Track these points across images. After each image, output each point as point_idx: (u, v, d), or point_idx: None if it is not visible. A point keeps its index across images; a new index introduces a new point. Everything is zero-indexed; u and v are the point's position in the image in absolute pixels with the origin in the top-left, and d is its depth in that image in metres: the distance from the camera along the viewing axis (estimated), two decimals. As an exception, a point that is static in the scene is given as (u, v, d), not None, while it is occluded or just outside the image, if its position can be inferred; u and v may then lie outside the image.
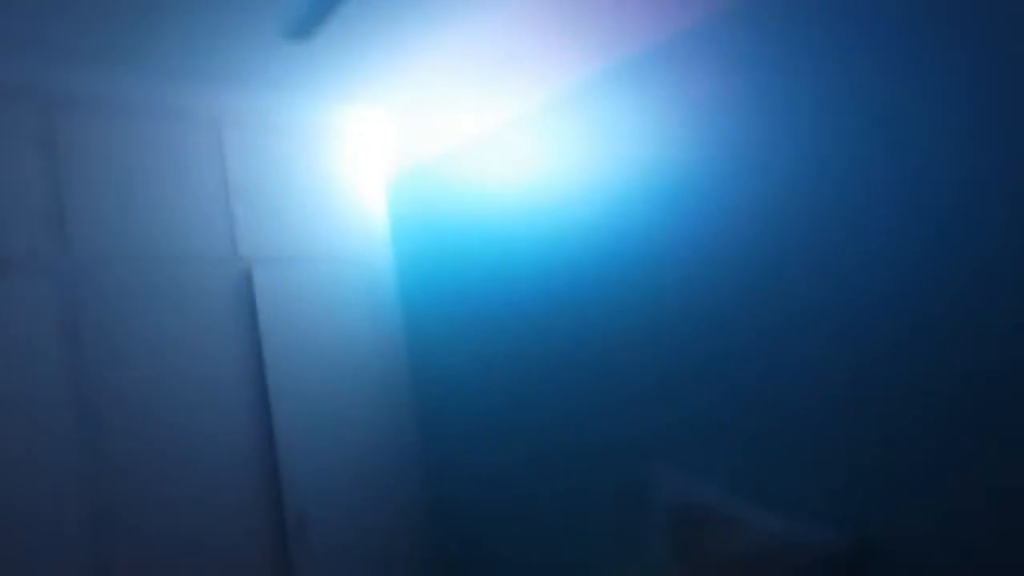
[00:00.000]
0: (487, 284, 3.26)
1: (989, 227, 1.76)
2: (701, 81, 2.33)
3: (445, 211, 3.49)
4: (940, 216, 1.84)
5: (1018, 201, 1.71)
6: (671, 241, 2.49)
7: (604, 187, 2.71)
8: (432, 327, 3.61)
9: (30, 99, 2.75)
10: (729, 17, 2.26)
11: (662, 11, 2.47)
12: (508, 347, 3.18)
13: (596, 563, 2.86)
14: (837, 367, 2.06)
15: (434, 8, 2.67)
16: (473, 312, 3.35)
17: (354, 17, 1.98)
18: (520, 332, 3.11)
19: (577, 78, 2.80)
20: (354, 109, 3.65)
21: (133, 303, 2.87)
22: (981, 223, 1.77)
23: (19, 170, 2.69)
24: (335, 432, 3.35)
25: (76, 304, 2.74)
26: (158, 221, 2.99)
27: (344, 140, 3.67)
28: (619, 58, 2.62)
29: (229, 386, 3.07)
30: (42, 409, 2.60)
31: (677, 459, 2.51)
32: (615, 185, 2.66)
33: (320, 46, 2.68)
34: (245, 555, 3.02)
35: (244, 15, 2.63)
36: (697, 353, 2.43)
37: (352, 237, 3.63)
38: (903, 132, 1.90)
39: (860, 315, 2.00)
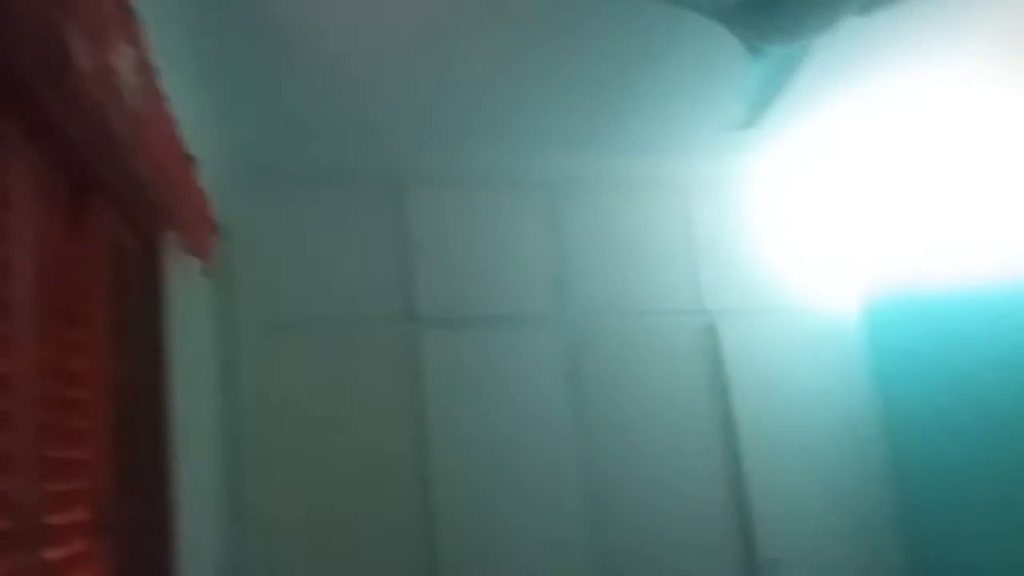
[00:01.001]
0: (977, 336, 2.96)
1: None
2: None
3: (931, 271, 3.27)
4: None
5: None
6: None
7: None
8: (908, 375, 3.38)
9: (537, 185, 3.43)
10: None
11: None
12: (1002, 406, 2.82)
13: None
14: None
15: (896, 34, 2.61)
16: (960, 363, 3.06)
17: (824, 62, 2.11)
18: (1017, 406, 2.75)
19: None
20: (819, 166, 3.68)
21: (619, 348, 3.32)
22: None
23: (530, 243, 3.36)
24: (807, 480, 3.35)
25: (574, 350, 3.28)
26: (638, 279, 3.42)
27: (810, 195, 3.73)
28: None
29: (699, 425, 3.33)
30: (549, 433, 3.16)
31: None
32: None
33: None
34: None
35: (702, 97, 2.97)
36: None
37: (817, 288, 3.63)
38: None
39: None
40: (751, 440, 3.32)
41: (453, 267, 3.24)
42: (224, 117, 2.81)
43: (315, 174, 3.20)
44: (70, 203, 1.36)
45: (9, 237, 1.06)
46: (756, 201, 3.66)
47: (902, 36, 2.60)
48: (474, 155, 3.33)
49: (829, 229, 3.74)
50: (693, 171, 3.59)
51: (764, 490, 3.28)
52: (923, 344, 3.29)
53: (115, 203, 1.58)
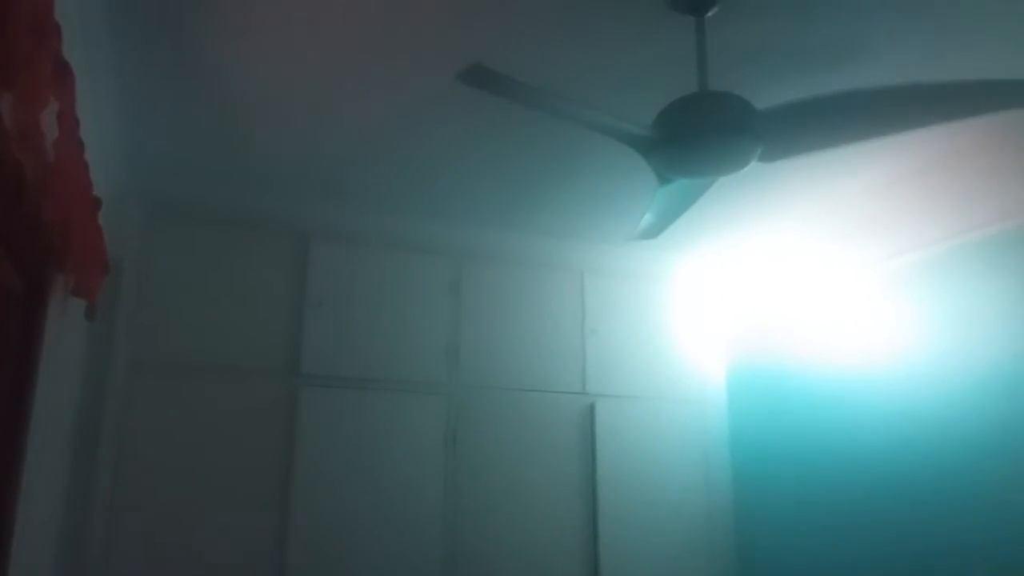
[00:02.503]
0: (824, 441, 3.21)
1: None
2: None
3: (783, 363, 3.54)
4: None
5: None
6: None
7: (958, 362, 2.59)
8: (761, 473, 3.61)
9: (442, 252, 3.48)
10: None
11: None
12: (842, 508, 3.07)
13: None
14: None
15: (794, 171, 2.88)
16: (806, 464, 3.30)
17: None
18: (858, 497, 2.99)
19: (934, 249, 2.76)
20: (700, 258, 3.92)
21: (498, 424, 3.38)
22: None
23: (433, 310, 3.40)
24: (655, 564, 3.47)
25: (457, 419, 3.31)
26: (525, 357, 3.50)
27: (689, 288, 3.95)
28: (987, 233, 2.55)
29: (565, 501, 3.41)
30: (425, 490, 3.19)
31: None
32: (973, 362, 2.53)
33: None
34: None
35: (610, 200, 3.15)
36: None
37: (688, 380, 3.83)
38: None
39: None
40: (608, 516, 3.42)
41: (346, 325, 3.22)
42: (133, 148, 2.73)
43: (220, 217, 3.14)
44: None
45: None
46: (646, 292, 3.84)
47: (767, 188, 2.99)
48: (384, 216, 3.36)
49: (707, 323, 3.97)
50: (592, 259, 3.74)
51: (615, 569, 3.37)
52: (773, 431, 3.54)
53: (8, 246, 1.50)
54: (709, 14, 1.88)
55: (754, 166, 1.92)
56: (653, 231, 2.46)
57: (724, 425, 3.85)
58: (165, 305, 2.96)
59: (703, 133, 1.80)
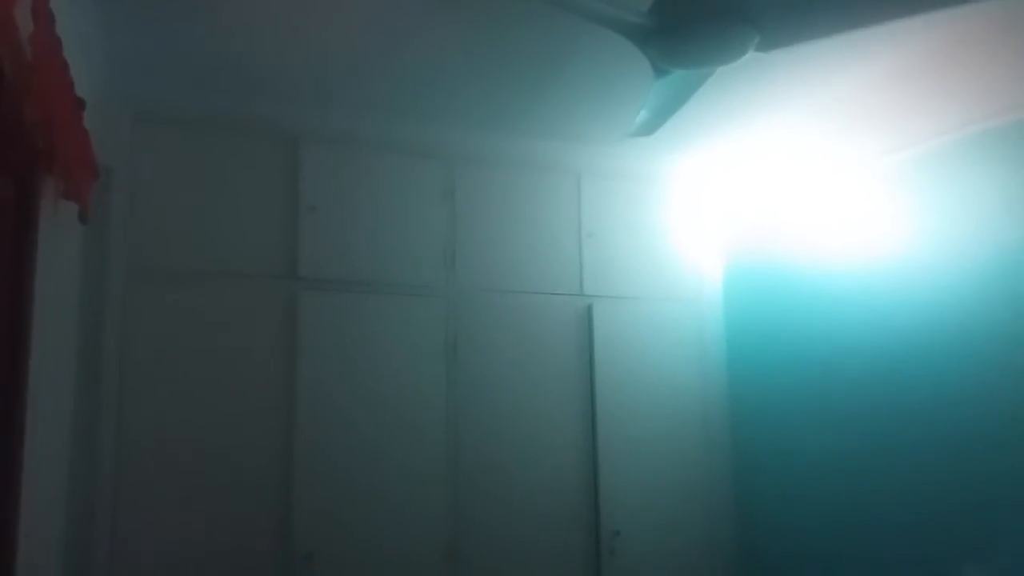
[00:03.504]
0: (819, 337, 3.26)
1: None
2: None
3: (780, 261, 3.56)
4: None
5: None
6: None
7: (958, 258, 2.60)
8: (757, 371, 3.68)
9: (436, 156, 3.44)
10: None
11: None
12: (836, 404, 3.14)
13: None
14: None
15: (792, 64, 2.81)
16: (802, 361, 3.36)
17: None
18: (853, 393, 3.06)
19: (935, 143, 2.72)
20: (697, 158, 3.88)
21: (498, 326, 3.43)
22: None
23: (423, 214, 3.38)
24: (653, 460, 3.58)
25: (457, 323, 3.36)
26: (522, 260, 3.52)
27: (686, 188, 3.93)
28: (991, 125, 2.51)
29: (564, 403, 3.49)
30: (427, 394, 3.26)
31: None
32: (973, 258, 2.54)
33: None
34: (561, 566, 3.37)
35: (606, 98, 3.08)
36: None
37: (685, 279, 3.86)
38: None
39: None
40: (607, 417, 3.51)
41: (341, 229, 3.22)
42: (118, 53, 2.65)
43: (210, 120, 3.08)
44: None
45: None
46: (643, 194, 3.82)
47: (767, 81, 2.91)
48: (376, 119, 3.29)
49: (704, 223, 3.96)
50: (588, 161, 3.70)
51: (613, 465, 3.49)
52: (769, 330, 3.59)
53: (-7, 147, 1.48)
54: None
55: (752, 57, 1.88)
56: (649, 128, 2.43)
57: (720, 323, 3.90)
58: (158, 213, 2.94)
59: (700, 20, 1.75)
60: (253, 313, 3.04)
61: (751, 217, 3.82)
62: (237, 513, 2.89)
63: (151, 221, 2.93)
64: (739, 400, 3.79)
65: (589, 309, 3.58)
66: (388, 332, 3.23)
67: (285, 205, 3.15)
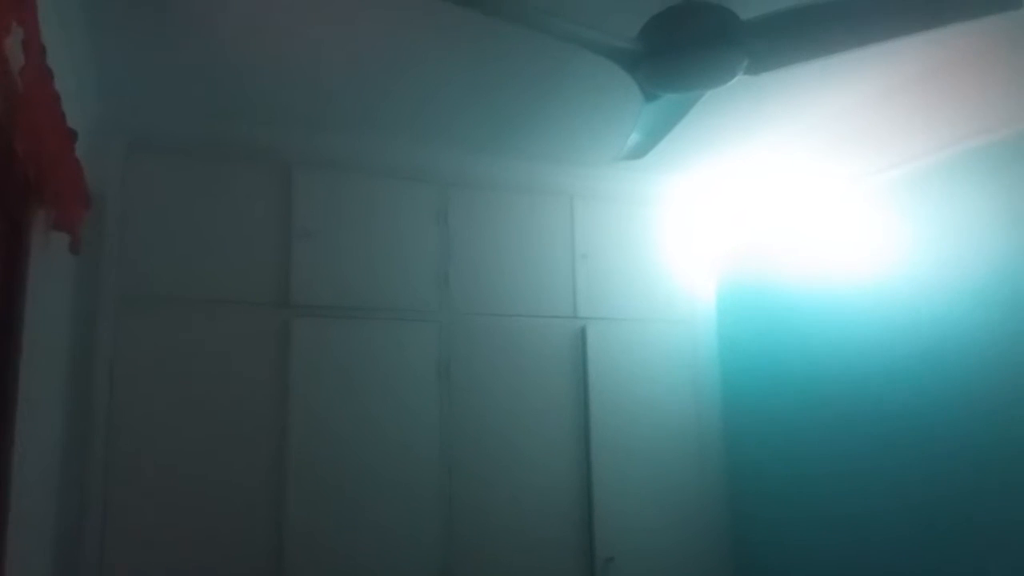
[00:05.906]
0: (813, 358, 3.26)
1: None
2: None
3: (773, 281, 3.56)
4: None
5: None
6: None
7: (950, 277, 2.61)
8: (751, 392, 3.67)
9: (430, 180, 3.45)
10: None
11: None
12: (831, 425, 3.13)
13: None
14: None
15: (782, 84, 2.84)
16: (796, 383, 3.35)
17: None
18: (848, 415, 3.05)
19: (924, 162, 2.74)
20: (689, 179, 3.90)
21: (491, 349, 3.42)
22: None
23: (416, 237, 3.38)
24: (647, 484, 3.56)
25: (451, 346, 3.34)
26: (516, 283, 3.51)
27: (678, 210, 3.94)
28: (976, 144, 2.53)
29: (558, 426, 3.47)
30: (420, 418, 3.24)
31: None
32: (964, 277, 2.55)
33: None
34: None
35: (597, 121, 3.10)
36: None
37: (678, 301, 3.86)
38: None
39: None
40: (601, 440, 3.49)
41: (334, 254, 3.21)
42: (111, 81, 2.66)
43: (202, 147, 3.08)
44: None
45: None
46: (636, 216, 3.83)
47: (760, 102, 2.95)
48: (368, 144, 3.30)
49: (696, 243, 3.97)
50: (581, 183, 3.71)
51: (607, 489, 3.46)
52: (763, 351, 3.59)
53: (-16, 180, 1.48)
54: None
55: (741, 80, 1.89)
56: (639, 151, 2.44)
57: (713, 344, 3.90)
58: (151, 240, 2.93)
59: (688, 45, 1.76)
60: (246, 340, 3.03)
61: (743, 237, 3.84)
62: (229, 538, 2.86)
63: (144, 248, 2.92)
64: (733, 422, 3.77)
65: (583, 331, 3.58)
66: (381, 357, 3.22)
67: (278, 231, 3.14)
